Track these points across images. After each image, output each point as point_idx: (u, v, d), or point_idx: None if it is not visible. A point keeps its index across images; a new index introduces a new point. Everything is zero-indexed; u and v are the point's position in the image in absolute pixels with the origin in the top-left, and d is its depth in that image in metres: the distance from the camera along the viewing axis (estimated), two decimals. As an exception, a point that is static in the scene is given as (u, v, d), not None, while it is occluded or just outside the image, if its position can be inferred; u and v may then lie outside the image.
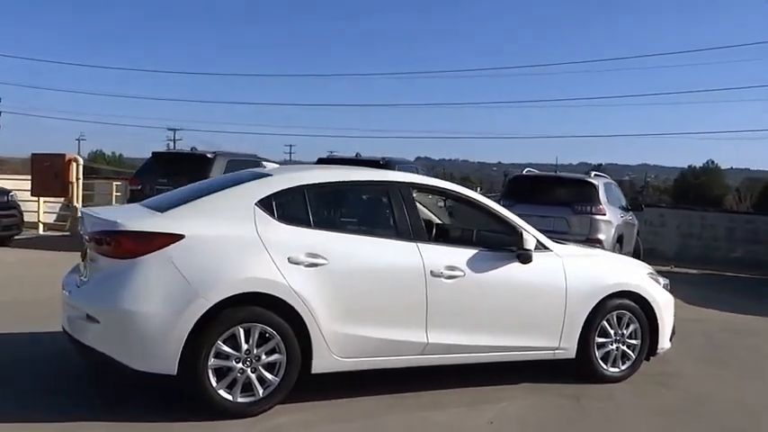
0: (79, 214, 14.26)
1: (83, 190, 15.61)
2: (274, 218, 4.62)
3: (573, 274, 5.42)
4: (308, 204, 4.77)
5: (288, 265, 4.48)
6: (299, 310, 4.47)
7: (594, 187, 10.53)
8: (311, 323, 4.50)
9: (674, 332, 6.06)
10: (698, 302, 9.62)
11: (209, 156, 12.69)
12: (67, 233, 15.08)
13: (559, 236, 7.09)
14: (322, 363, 4.60)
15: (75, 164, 15.04)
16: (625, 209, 11.96)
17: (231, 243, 4.45)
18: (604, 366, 5.64)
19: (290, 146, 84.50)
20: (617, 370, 5.70)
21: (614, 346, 5.66)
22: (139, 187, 12.72)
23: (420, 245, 4.94)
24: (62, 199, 16.21)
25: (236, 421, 4.36)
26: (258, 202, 4.63)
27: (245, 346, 4.39)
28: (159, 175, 12.53)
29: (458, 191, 5.48)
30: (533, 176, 11.34)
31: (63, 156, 15.39)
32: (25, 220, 13.66)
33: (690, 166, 75.58)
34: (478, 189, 35.36)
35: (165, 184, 12.36)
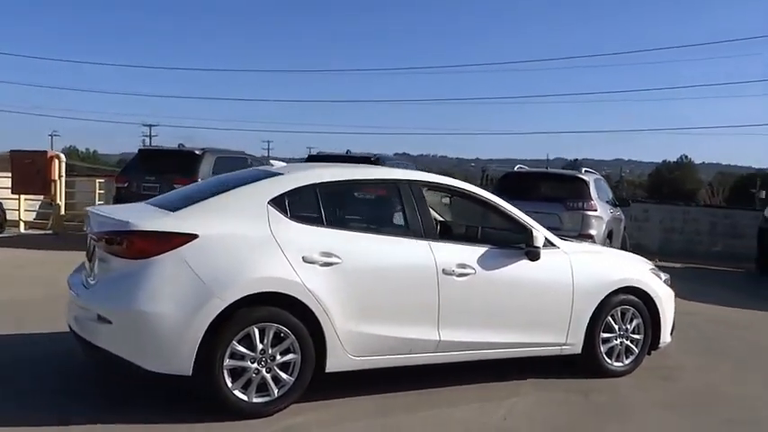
0: (62, 212, 14.06)
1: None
2: (287, 216, 4.59)
3: (579, 270, 5.47)
4: (321, 203, 4.75)
5: (302, 264, 4.46)
6: (314, 310, 4.45)
7: (586, 183, 10.61)
8: (326, 322, 4.49)
9: (673, 326, 6.14)
10: (686, 296, 9.69)
11: (197, 153, 12.58)
12: (50, 231, 14.86)
13: (552, 232, 7.12)
14: (336, 362, 4.59)
15: (57, 161, 14.82)
16: (613, 204, 12.07)
17: (245, 242, 4.42)
18: (609, 361, 5.70)
19: (268, 142, 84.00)
20: (621, 365, 5.76)
21: (618, 341, 5.72)
22: (126, 185, 12.58)
23: (431, 243, 4.95)
24: (41, 197, 15.98)
25: (252, 422, 4.33)
26: (271, 200, 4.60)
27: (260, 346, 4.36)
28: (146, 173, 12.41)
29: (468, 188, 5.49)
30: (524, 173, 11.41)
31: (45, 153, 15.16)
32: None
33: (665, 161, 76.61)
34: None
35: (152, 181, 12.28)
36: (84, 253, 5.04)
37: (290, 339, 4.44)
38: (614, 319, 5.69)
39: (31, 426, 4.19)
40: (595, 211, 10.38)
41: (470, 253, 5.08)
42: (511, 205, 5.50)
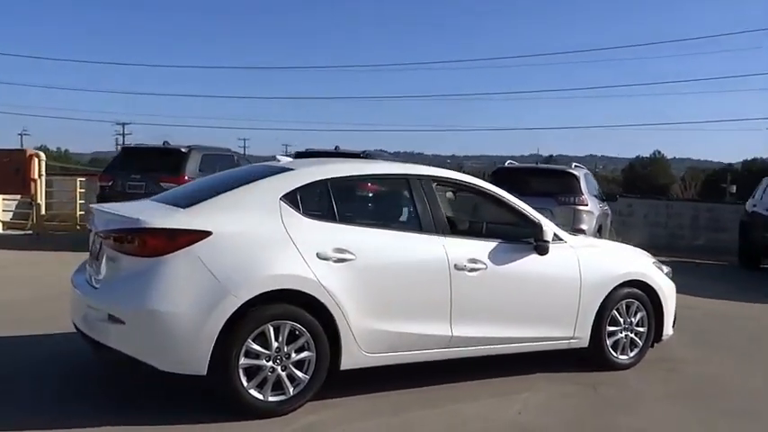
0: (42, 212, 13.78)
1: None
2: (300, 212, 4.53)
3: (586, 264, 5.49)
4: (333, 198, 4.69)
5: (317, 260, 4.40)
6: (329, 307, 4.40)
7: (576, 178, 10.67)
8: (340, 319, 4.44)
9: (675, 319, 6.19)
10: (679, 290, 9.81)
11: (183, 150, 12.43)
12: (30, 232, 14.58)
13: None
14: (350, 359, 4.54)
15: (36, 159, 14.52)
16: (601, 199, 12.15)
17: (259, 239, 4.36)
18: (615, 354, 5.73)
19: (245, 140, 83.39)
20: (626, 357, 5.79)
21: (623, 334, 5.75)
22: (111, 183, 12.40)
23: (443, 238, 4.92)
24: (18, 196, 15.67)
25: (270, 421, 4.27)
26: (283, 196, 4.54)
27: (275, 344, 4.30)
28: (132, 171, 12.25)
29: (477, 183, 5.47)
30: (515, 168, 11.43)
31: (24, 151, 14.87)
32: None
33: (638, 157, 77.43)
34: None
35: (138, 180, 12.13)
36: (88, 251, 4.94)
37: (304, 337, 4.38)
38: (619, 313, 5.71)
39: (34, 429, 4.11)
40: (586, 205, 10.44)
41: (481, 248, 5.06)
42: (519, 200, 5.49)
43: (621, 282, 5.67)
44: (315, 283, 4.36)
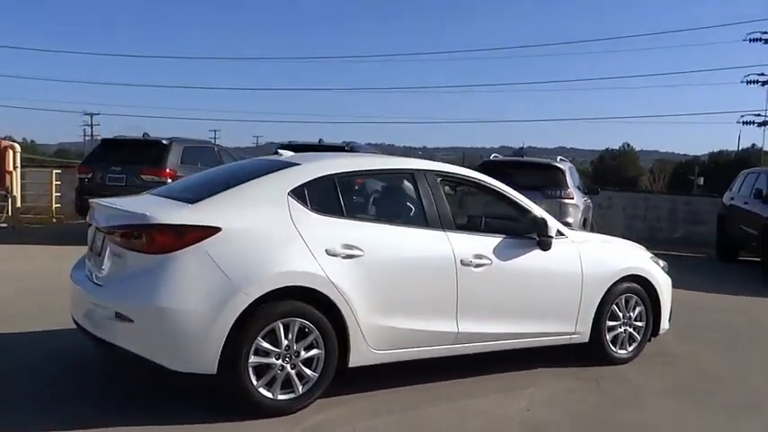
0: (18, 204, 13.50)
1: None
2: (308, 208, 4.46)
3: (588, 259, 5.50)
4: (340, 194, 4.64)
5: (326, 257, 4.34)
6: (338, 304, 4.35)
7: (562, 172, 10.72)
8: (349, 316, 4.39)
9: (671, 313, 6.24)
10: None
11: (164, 142, 12.24)
12: (5, 225, 14.27)
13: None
14: (359, 356, 4.50)
15: (11, 151, 14.21)
16: (584, 192, 12.24)
17: (268, 235, 4.28)
18: (614, 349, 5.76)
19: (215, 131, 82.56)
20: (625, 352, 5.83)
21: (622, 328, 5.79)
22: (90, 175, 12.18)
23: (449, 234, 4.89)
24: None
25: (278, 420, 4.21)
26: (291, 191, 4.47)
27: (284, 342, 4.24)
28: (111, 163, 12.04)
29: (481, 178, 5.43)
30: (501, 162, 11.45)
31: (-2, 142, 14.53)
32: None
33: (608, 149, 78.21)
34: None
35: (118, 172, 11.93)
36: (87, 246, 4.84)
37: (313, 334, 4.32)
38: (619, 307, 5.75)
39: (34, 429, 4.02)
40: (572, 199, 10.50)
41: (485, 243, 5.04)
42: (523, 195, 5.49)
43: (621, 276, 5.71)
44: (325, 280, 4.30)
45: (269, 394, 4.22)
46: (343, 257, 4.40)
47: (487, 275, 4.97)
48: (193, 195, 4.50)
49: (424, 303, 4.75)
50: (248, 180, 4.58)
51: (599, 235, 6.32)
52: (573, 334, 5.50)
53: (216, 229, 4.14)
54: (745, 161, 59.69)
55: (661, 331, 6.10)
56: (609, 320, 5.68)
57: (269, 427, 4.14)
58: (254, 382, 4.17)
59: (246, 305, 4.08)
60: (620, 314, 5.76)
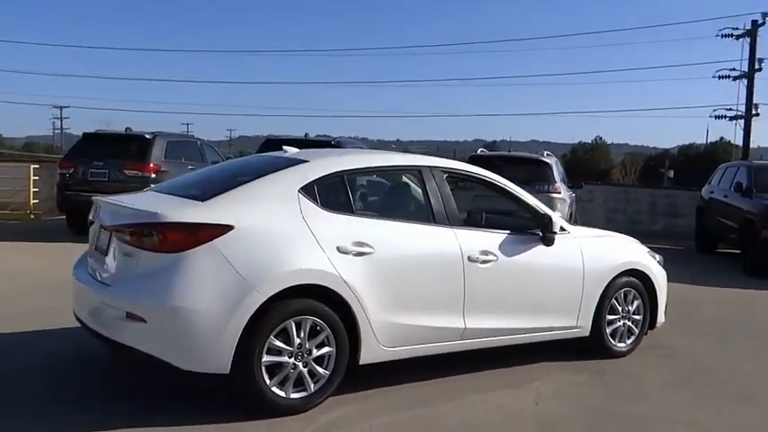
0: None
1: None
2: (318, 205, 4.44)
3: (589, 254, 5.55)
4: (349, 191, 4.62)
5: (337, 254, 4.32)
6: (350, 301, 4.33)
7: (549, 167, 10.79)
8: (360, 314, 4.38)
9: (666, 306, 6.32)
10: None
11: (147, 137, 12.09)
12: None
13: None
14: (369, 353, 4.49)
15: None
16: (568, 186, 12.34)
17: (280, 233, 4.25)
18: (613, 342, 5.83)
19: (187, 124, 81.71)
20: (624, 345, 5.90)
21: (621, 322, 5.85)
22: (71, 170, 11.98)
23: (456, 230, 4.90)
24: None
25: (291, 419, 4.18)
26: (301, 188, 4.43)
27: (297, 341, 4.21)
28: (94, 158, 11.85)
29: (487, 175, 5.44)
30: (488, 156, 11.49)
31: (-27, 137, 14.22)
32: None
33: (580, 142, 78.90)
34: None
35: (101, 167, 11.76)
36: (89, 244, 4.77)
37: (325, 332, 4.30)
38: (618, 301, 5.81)
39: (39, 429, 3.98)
40: (559, 193, 10.58)
41: (491, 239, 5.06)
42: (526, 192, 5.52)
43: (621, 271, 5.77)
44: (337, 278, 4.28)
45: (282, 393, 4.19)
46: (354, 255, 4.38)
47: (493, 271, 4.98)
48: (202, 193, 4.45)
49: (433, 300, 4.75)
50: (257, 177, 4.53)
51: (597, 230, 6.38)
52: (575, 328, 5.55)
53: (229, 228, 4.09)
54: (713, 154, 60.69)
55: (658, 324, 6.18)
56: (609, 314, 5.74)
57: (282, 426, 4.11)
58: (267, 382, 4.14)
59: (260, 304, 4.04)
60: (620, 308, 5.82)
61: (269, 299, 4.07)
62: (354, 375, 4.53)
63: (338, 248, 4.34)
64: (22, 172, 15.59)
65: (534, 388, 5.03)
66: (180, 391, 4.51)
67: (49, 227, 13.53)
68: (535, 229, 5.32)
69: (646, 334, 6.12)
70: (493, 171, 10.62)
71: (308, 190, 4.45)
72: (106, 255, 4.40)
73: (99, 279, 4.43)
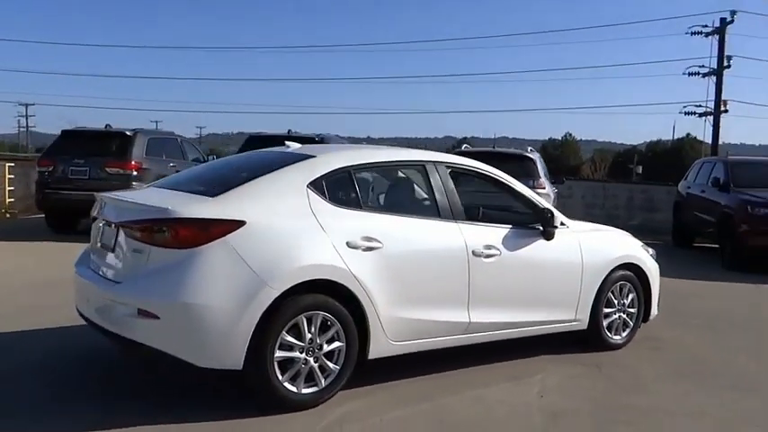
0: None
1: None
2: (327, 200, 4.44)
3: (587, 248, 5.63)
4: (357, 186, 4.63)
5: (347, 249, 4.33)
6: (359, 296, 4.35)
7: (534, 162, 10.89)
8: (369, 308, 4.39)
9: (659, 299, 6.43)
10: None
11: (128, 134, 11.95)
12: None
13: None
14: (378, 348, 4.51)
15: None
16: (551, 182, 12.45)
17: (291, 228, 4.25)
18: (609, 335, 5.92)
19: (157, 122, 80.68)
20: (619, 338, 5.99)
21: (617, 315, 5.95)
22: (51, 168, 11.79)
23: (461, 225, 4.94)
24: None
25: (304, 413, 4.19)
26: (310, 183, 4.43)
27: (308, 336, 4.21)
28: (74, 155, 11.68)
29: (488, 170, 5.48)
30: (474, 152, 11.53)
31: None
32: None
33: (550, 139, 79.60)
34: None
35: (81, 164, 11.61)
36: (92, 241, 4.72)
37: (335, 327, 4.31)
38: (614, 295, 5.90)
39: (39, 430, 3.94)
40: (544, 189, 10.66)
41: (494, 234, 5.11)
42: (525, 187, 5.58)
43: (617, 265, 5.86)
44: (347, 273, 4.29)
45: (293, 388, 4.19)
46: (363, 249, 4.40)
47: (497, 266, 5.03)
48: (209, 188, 4.42)
49: (439, 294, 4.78)
50: (265, 173, 4.52)
51: (594, 224, 6.47)
52: (573, 321, 5.63)
53: (241, 223, 4.08)
54: (680, 150, 61.68)
55: (651, 317, 6.29)
56: (605, 307, 5.83)
57: (294, 421, 4.12)
58: (280, 377, 4.14)
59: (273, 299, 4.04)
60: (616, 301, 5.91)
61: (281, 294, 4.07)
62: (360, 370, 4.54)
63: (348, 243, 4.35)
64: (2, 170, 15.31)
65: (537, 381, 5.09)
66: (180, 390, 4.49)
67: (27, 226, 13.32)
68: (535, 224, 5.37)
69: (639, 326, 6.22)
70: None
71: (316, 185, 4.45)
72: (112, 251, 4.36)
73: (104, 276, 4.38)
